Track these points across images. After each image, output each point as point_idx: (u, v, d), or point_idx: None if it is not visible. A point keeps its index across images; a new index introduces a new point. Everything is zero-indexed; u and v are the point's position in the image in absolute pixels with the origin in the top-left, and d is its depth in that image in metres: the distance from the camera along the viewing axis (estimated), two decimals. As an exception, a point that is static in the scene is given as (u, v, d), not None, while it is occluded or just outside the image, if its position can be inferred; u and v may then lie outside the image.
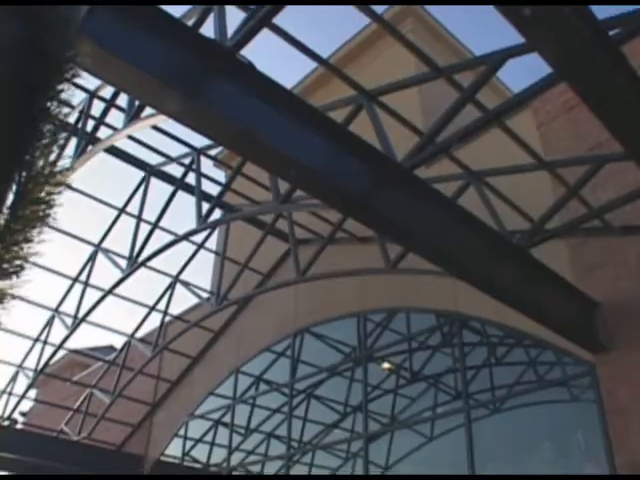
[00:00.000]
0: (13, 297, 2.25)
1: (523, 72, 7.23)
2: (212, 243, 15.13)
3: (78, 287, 13.48)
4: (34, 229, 2.15)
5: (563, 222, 6.88)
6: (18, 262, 2.15)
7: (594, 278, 7.73)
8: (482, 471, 8.52)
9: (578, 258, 8.02)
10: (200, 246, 13.32)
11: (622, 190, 6.63)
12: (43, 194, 2.17)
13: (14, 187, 2.07)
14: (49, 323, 14.40)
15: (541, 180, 7.96)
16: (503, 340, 9.49)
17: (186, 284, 13.89)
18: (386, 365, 11.23)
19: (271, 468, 12.70)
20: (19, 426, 18.77)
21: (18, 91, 2.07)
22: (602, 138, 7.35)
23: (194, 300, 14.77)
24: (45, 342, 14.60)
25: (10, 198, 2.09)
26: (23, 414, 22.48)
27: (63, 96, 2.23)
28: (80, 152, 9.84)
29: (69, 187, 11.38)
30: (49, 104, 2.12)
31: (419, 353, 10.78)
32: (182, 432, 15.45)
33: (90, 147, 9.83)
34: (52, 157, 2.26)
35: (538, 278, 6.88)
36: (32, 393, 19.47)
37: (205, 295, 14.14)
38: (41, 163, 2.15)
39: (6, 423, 15.76)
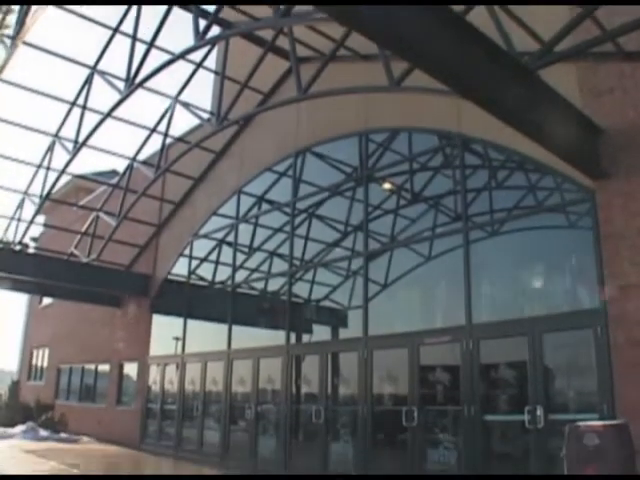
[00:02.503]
0: None
1: None
2: (211, 63, 14.71)
3: (77, 112, 13.31)
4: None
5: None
6: None
7: (602, 104, 7.58)
8: (477, 287, 8.87)
9: (587, 83, 7.82)
10: (199, 65, 12.96)
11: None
12: None
13: None
14: (50, 149, 14.39)
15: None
16: (504, 164, 9.50)
17: (186, 105, 13.67)
18: (387, 185, 11.32)
19: (274, 284, 13.25)
20: (31, 251, 19.32)
21: None
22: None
23: (195, 122, 14.63)
24: (48, 168, 14.68)
25: None
26: (34, 239, 23.14)
27: None
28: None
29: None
30: None
31: (420, 174, 10.84)
32: (187, 252, 15.97)
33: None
34: None
35: (544, 101, 6.70)
36: (40, 219, 19.90)
37: (205, 116, 13.97)
38: None
39: (18, 248, 16.22)
